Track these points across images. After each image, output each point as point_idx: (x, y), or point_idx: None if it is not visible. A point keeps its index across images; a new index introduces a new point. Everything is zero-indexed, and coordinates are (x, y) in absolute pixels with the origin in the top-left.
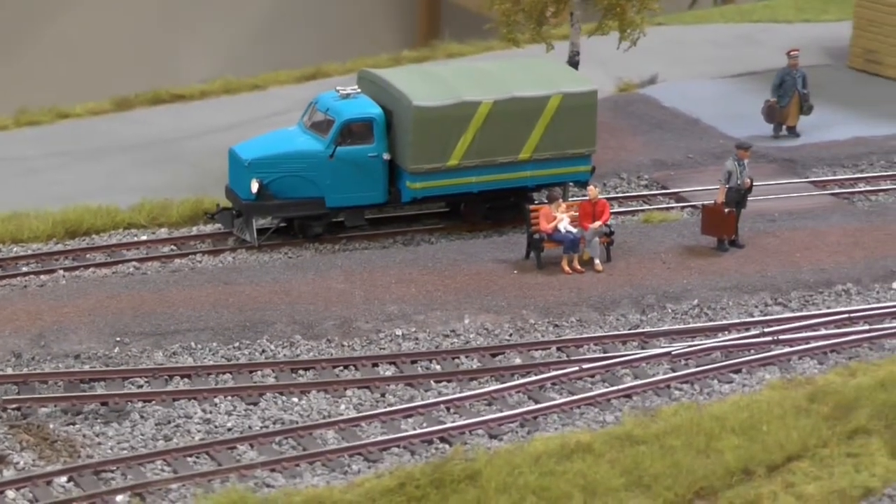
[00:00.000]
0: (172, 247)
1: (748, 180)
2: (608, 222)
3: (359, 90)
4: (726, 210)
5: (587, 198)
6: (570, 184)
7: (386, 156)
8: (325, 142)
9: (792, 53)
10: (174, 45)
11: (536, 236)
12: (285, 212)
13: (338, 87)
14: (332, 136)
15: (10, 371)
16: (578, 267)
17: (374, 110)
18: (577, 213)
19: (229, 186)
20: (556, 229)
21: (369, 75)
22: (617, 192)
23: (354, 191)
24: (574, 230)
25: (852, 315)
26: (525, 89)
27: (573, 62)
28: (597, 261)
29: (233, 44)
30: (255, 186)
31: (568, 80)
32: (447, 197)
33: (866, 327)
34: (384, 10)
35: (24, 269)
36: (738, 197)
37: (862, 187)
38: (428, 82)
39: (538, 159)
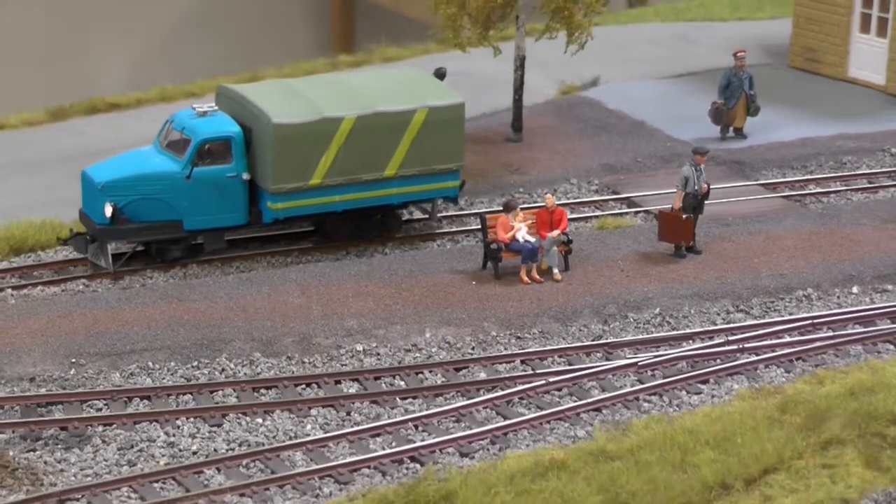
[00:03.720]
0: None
1: (705, 185)
2: (566, 230)
3: (216, 108)
4: (684, 216)
5: (544, 205)
6: (440, 200)
7: (245, 175)
8: (181, 162)
9: (739, 54)
10: (85, 52)
11: (494, 246)
12: (141, 236)
13: (194, 105)
14: (188, 157)
15: None
16: (537, 276)
17: (232, 128)
18: (534, 222)
19: (83, 210)
20: (513, 239)
21: (228, 91)
22: (568, 198)
23: (213, 212)
24: (532, 239)
25: (815, 321)
26: (389, 103)
27: (521, 66)
28: (555, 270)
29: (142, 53)
30: (108, 210)
31: (434, 93)
32: (311, 216)
33: (830, 333)
34: (295, 12)
35: None
36: (695, 203)
37: (813, 189)
38: (288, 98)
39: (404, 176)
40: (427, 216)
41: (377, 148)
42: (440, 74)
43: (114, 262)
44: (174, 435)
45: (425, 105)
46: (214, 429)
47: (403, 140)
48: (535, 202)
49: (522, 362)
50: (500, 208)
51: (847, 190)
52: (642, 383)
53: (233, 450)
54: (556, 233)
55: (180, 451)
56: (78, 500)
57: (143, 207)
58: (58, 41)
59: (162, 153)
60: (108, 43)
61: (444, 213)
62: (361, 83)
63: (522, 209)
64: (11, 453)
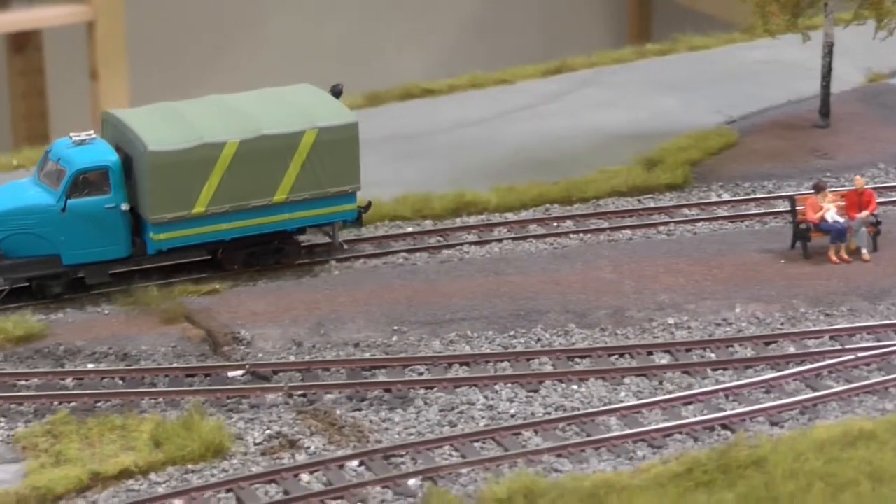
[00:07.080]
0: (439, 238)
1: None
2: (875, 212)
3: (94, 136)
4: None
5: (853, 187)
6: (339, 223)
7: (125, 206)
8: (56, 194)
9: None
10: (385, 44)
11: (803, 226)
12: (16, 273)
13: (72, 134)
14: (63, 188)
15: (292, 359)
16: (845, 256)
17: (110, 157)
18: (843, 203)
19: None
20: (822, 219)
21: (110, 117)
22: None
23: (93, 245)
24: (841, 220)
25: None
26: (275, 125)
27: (828, 55)
28: (864, 250)
29: (438, 43)
30: None
31: (326, 113)
32: (199, 246)
33: None
34: (595, 4)
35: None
36: None
37: None
38: (168, 123)
39: (296, 201)
40: (329, 240)
41: (265, 173)
42: (336, 92)
43: None
44: (493, 399)
45: (315, 126)
46: (531, 394)
47: (293, 163)
48: (842, 186)
49: (831, 338)
50: (808, 191)
51: None
52: None
53: (549, 414)
54: (864, 214)
55: (499, 413)
56: (402, 456)
57: (18, 242)
58: (366, 43)
59: (38, 185)
60: (405, 37)
61: (755, 196)
62: (249, 105)
63: (831, 191)
64: (338, 412)
